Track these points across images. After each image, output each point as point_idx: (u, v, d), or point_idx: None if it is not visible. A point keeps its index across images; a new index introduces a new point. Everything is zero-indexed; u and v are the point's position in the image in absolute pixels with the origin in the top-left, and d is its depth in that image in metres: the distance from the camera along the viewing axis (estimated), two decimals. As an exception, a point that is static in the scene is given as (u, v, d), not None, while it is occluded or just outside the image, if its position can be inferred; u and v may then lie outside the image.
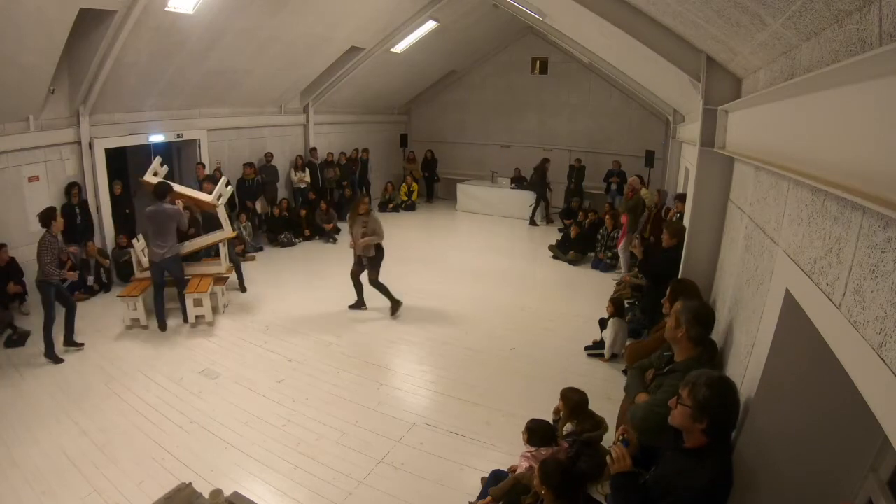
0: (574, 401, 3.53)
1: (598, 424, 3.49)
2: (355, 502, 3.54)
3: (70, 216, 7.02)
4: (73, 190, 7.01)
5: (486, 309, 6.95)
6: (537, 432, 3.29)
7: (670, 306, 3.40)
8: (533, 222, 11.79)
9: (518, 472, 3.18)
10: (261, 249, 9.44)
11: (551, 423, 3.54)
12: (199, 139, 9.01)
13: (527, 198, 11.94)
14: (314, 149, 11.41)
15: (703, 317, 2.59)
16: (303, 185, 10.85)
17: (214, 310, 6.38)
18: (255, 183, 9.81)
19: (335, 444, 4.13)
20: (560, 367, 5.38)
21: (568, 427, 3.48)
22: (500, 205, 12.41)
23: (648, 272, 5.62)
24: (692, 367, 2.41)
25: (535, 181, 11.76)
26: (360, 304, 6.77)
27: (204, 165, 8.85)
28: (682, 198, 6.59)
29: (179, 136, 8.64)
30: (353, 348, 5.75)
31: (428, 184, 14.17)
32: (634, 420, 2.55)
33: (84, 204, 7.22)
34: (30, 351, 5.50)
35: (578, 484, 2.56)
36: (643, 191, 8.32)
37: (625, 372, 4.99)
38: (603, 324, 5.89)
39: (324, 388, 4.95)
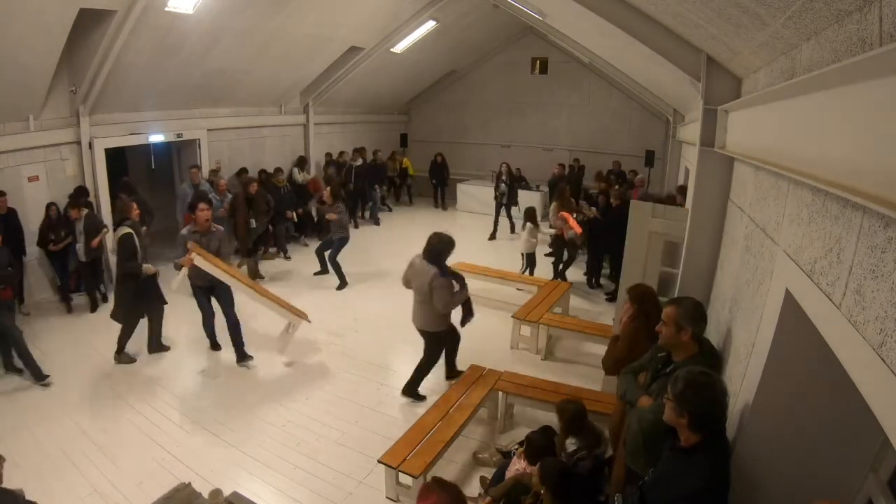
0: (570, 412, 3.25)
1: (599, 438, 3.32)
2: (355, 502, 3.54)
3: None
4: (81, 199, 6.92)
5: (488, 307, 6.96)
6: (534, 444, 3.16)
7: (633, 304, 3.37)
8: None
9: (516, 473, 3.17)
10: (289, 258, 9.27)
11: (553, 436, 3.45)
12: (199, 139, 8.97)
13: (527, 198, 11.91)
14: (343, 152, 11.76)
15: (702, 312, 2.61)
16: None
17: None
18: (286, 190, 9.23)
19: (335, 444, 4.13)
20: (560, 364, 5.39)
21: (571, 443, 3.25)
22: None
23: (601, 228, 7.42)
24: (698, 363, 2.41)
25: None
26: None
27: (199, 168, 8.48)
28: (682, 190, 6.65)
29: (179, 136, 8.61)
30: (353, 348, 5.75)
31: (437, 189, 13.39)
32: (643, 423, 2.52)
33: (89, 206, 7.16)
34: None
35: (577, 485, 2.55)
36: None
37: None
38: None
39: (324, 388, 4.95)
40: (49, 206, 6.55)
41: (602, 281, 7.96)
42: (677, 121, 8.92)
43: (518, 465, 3.22)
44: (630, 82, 9.40)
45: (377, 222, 11.82)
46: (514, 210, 10.89)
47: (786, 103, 2.06)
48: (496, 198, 10.68)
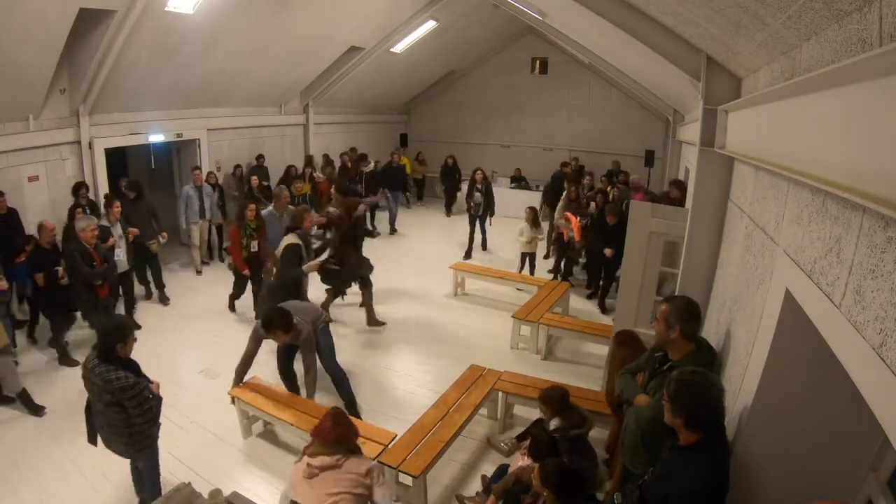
0: (556, 398, 3.49)
1: (584, 419, 3.48)
2: (355, 502, 3.53)
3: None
4: (81, 190, 6.91)
5: (488, 307, 6.97)
6: (538, 443, 3.20)
7: (618, 346, 3.59)
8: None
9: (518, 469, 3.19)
10: None
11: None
12: (199, 139, 8.98)
13: (526, 198, 11.92)
14: (343, 153, 11.54)
15: (694, 311, 2.62)
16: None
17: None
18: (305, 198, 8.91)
19: (335, 444, 4.12)
20: (560, 364, 5.39)
21: (555, 422, 3.45)
22: (501, 205, 12.34)
23: (600, 243, 6.71)
24: (694, 361, 2.42)
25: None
26: None
27: (201, 169, 8.26)
28: (677, 184, 6.64)
29: (179, 135, 8.61)
30: (354, 348, 5.75)
31: (447, 194, 12.41)
32: (641, 421, 2.53)
33: (93, 204, 7.12)
34: (28, 353, 5.50)
35: (578, 485, 2.55)
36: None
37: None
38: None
39: (325, 388, 4.94)
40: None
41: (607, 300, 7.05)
42: (677, 121, 8.92)
43: (521, 464, 3.23)
44: (630, 82, 9.40)
45: (394, 231, 10.87)
46: (489, 221, 9.57)
47: (786, 103, 2.06)
48: (469, 209, 9.26)
